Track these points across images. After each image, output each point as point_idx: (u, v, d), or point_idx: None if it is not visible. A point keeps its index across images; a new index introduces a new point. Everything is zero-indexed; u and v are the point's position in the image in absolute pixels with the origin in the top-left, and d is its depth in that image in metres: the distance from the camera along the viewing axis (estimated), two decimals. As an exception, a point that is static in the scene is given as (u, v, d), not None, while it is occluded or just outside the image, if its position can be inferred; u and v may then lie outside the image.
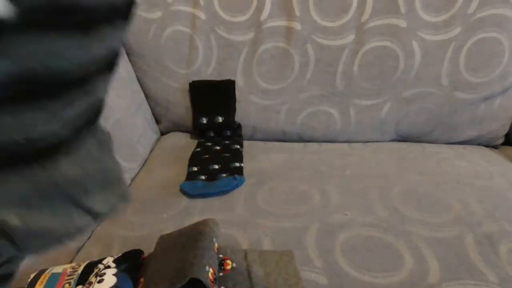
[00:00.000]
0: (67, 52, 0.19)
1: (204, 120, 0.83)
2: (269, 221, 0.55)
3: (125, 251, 0.45)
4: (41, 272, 0.42)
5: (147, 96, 0.87)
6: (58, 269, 0.43)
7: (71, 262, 0.53)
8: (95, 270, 0.41)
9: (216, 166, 0.70)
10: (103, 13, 0.20)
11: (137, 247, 0.52)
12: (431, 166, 0.70)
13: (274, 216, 0.56)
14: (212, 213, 0.58)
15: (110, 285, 0.38)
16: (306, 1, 0.77)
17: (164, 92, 0.85)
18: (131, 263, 0.42)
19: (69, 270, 0.42)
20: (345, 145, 0.82)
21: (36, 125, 0.20)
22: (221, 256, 0.46)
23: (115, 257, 0.43)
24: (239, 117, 0.84)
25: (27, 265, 0.47)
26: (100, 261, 0.43)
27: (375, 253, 0.49)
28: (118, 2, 0.20)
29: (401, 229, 0.52)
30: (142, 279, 0.41)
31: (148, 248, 0.51)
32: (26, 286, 0.41)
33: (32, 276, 0.42)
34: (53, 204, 0.23)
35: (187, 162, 0.72)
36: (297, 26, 0.78)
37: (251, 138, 0.85)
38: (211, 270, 0.40)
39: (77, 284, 0.40)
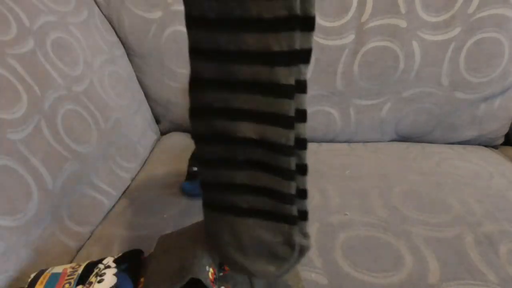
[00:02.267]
0: None
1: (204, 120, 0.83)
2: (269, 221, 0.55)
3: (125, 251, 0.45)
4: (41, 272, 0.42)
5: (147, 96, 0.87)
6: (58, 269, 0.43)
7: (71, 262, 0.53)
8: (95, 270, 0.41)
9: (216, 166, 0.70)
10: None
11: (137, 247, 0.52)
12: (431, 166, 0.70)
13: (274, 216, 0.56)
14: (212, 213, 0.58)
15: (111, 285, 0.38)
16: (306, 1, 0.77)
17: (164, 92, 0.85)
18: (131, 263, 0.42)
19: (69, 270, 0.42)
20: (345, 145, 0.82)
21: None
22: None
23: (115, 257, 0.43)
24: (239, 117, 0.84)
25: (27, 265, 0.47)
26: (100, 261, 0.43)
27: (375, 253, 0.49)
28: None
29: (401, 229, 0.52)
30: (142, 279, 0.41)
31: (148, 248, 0.51)
32: (26, 286, 0.41)
33: (32, 276, 0.42)
34: None
35: (187, 162, 0.72)
36: (297, 26, 0.78)
37: (251, 138, 0.85)
38: (211, 270, 0.40)
39: (77, 284, 0.40)
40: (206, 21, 0.30)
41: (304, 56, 0.30)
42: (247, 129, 0.32)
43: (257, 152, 0.33)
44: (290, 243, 0.35)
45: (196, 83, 0.32)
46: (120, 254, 0.44)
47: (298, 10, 0.28)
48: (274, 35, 0.29)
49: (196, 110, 0.34)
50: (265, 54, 0.30)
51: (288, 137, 0.32)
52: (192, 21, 0.31)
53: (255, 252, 0.36)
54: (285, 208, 0.35)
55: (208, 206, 0.39)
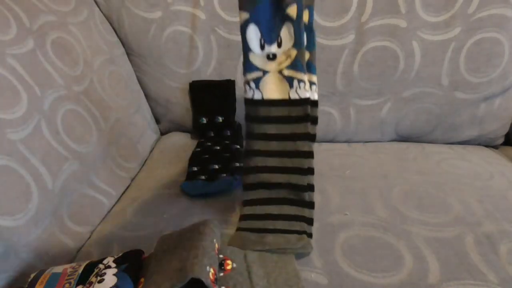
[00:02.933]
0: None
1: (204, 120, 0.83)
2: (269, 221, 0.55)
3: (125, 251, 0.45)
4: (41, 272, 0.42)
5: (147, 96, 0.87)
6: (58, 269, 0.43)
7: (71, 262, 0.53)
8: (96, 270, 0.41)
9: (216, 166, 0.70)
10: None
11: (137, 247, 0.52)
12: (431, 166, 0.70)
13: (274, 216, 0.56)
14: (212, 213, 0.58)
15: (111, 285, 0.38)
16: (306, 1, 0.77)
17: (164, 92, 0.85)
18: (131, 263, 0.42)
19: (69, 270, 0.42)
20: (345, 145, 0.82)
21: None
22: (221, 256, 0.46)
23: (116, 257, 0.43)
24: (239, 117, 0.84)
25: (27, 265, 0.47)
26: (100, 261, 0.43)
27: (375, 253, 0.49)
28: None
29: (401, 229, 0.52)
30: (142, 279, 0.41)
31: (148, 248, 0.51)
32: (26, 286, 0.41)
33: (32, 276, 0.42)
34: None
35: (187, 162, 0.72)
36: (297, 26, 0.78)
37: (251, 138, 0.85)
38: (211, 270, 0.40)
39: (78, 284, 0.40)
40: (258, 118, 0.53)
41: (313, 137, 0.53)
42: (278, 177, 0.52)
43: (284, 189, 0.53)
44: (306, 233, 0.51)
45: (249, 153, 0.53)
46: (120, 254, 0.44)
47: (309, 112, 0.51)
48: (297, 125, 0.51)
49: (248, 169, 0.53)
50: (292, 135, 0.51)
51: (304, 180, 0.52)
52: (249, 118, 0.53)
53: (281, 238, 0.50)
54: (302, 211, 0.53)
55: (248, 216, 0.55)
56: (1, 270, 0.44)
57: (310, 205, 0.53)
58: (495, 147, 0.84)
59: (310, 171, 0.53)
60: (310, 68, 0.53)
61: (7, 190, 0.46)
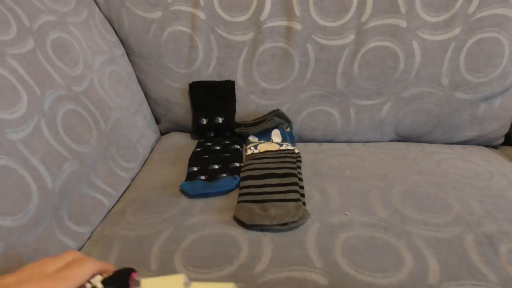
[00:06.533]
0: None
1: (204, 121, 0.83)
2: (269, 221, 0.55)
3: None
4: None
5: (147, 96, 0.87)
6: None
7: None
8: None
9: (216, 166, 0.70)
10: None
11: (137, 247, 0.52)
12: (431, 166, 0.70)
13: (274, 216, 0.56)
14: (212, 213, 0.58)
15: None
16: (306, 1, 0.77)
17: (164, 92, 0.85)
18: (119, 284, 0.39)
19: None
20: (345, 145, 0.82)
21: None
22: None
23: (104, 276, 0.41)
24: (239, 117, 0.84)
25: (27, 265, 0.47)
26: (88, 280, 0.40)
27: (375, 253, 0.49)
28: None
29: (401, 229, 0.52)
30: None
31: (148, 248, 0.51)
32: None
33: None
34: None
35: (187, 162, 0.72)
36: (297, 26, 0.78)
37: (251, 138, 0.85)
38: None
39: None
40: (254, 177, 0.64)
41: None
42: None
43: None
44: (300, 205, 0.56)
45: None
46: (110, 274, 0.41)
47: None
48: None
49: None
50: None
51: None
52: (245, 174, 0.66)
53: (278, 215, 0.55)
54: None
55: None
56: (1, 271, 0.44)
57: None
58: (495, 147, 0.84)
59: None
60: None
61: (7, 190, 0.46)
